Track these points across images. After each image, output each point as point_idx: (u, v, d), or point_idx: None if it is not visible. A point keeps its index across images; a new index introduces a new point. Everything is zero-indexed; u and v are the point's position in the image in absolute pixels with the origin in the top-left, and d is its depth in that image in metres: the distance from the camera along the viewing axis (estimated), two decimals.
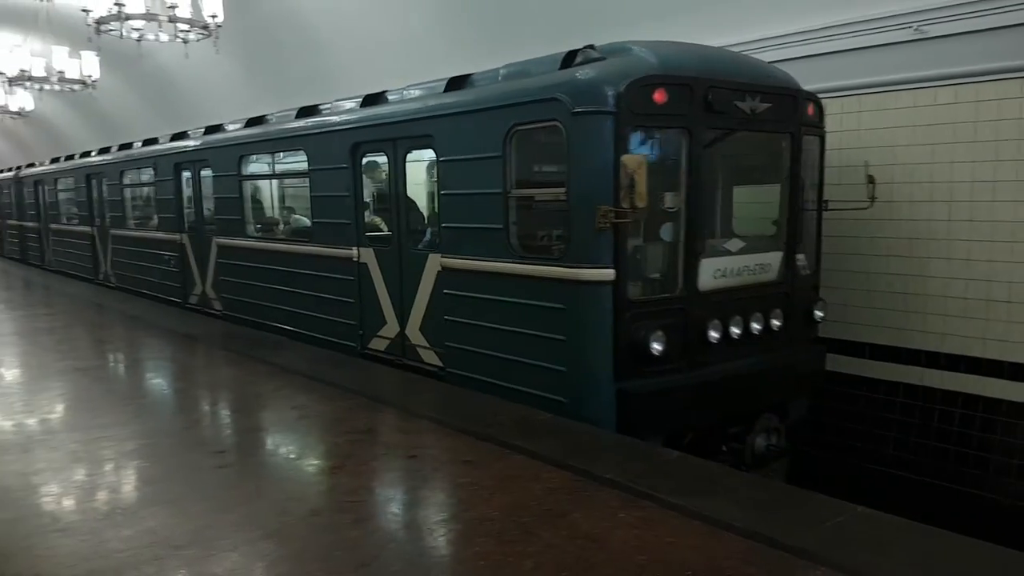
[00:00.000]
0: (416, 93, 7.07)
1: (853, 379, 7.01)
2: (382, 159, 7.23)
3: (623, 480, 4.01)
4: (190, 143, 10.67)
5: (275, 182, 9.76)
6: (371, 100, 7.55)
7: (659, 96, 5.17)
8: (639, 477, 4.05)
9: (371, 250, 7.35)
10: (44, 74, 13.08)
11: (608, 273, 5.12)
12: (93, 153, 14.89)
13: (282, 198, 9.79)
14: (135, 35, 8.99)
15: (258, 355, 7.52)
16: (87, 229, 14.77)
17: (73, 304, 12.07)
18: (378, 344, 7.32)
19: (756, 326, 5.83)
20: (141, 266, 12.48)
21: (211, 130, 10.42)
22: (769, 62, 6.32)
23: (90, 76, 12.71)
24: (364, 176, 7.46)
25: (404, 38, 10.54)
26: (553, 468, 4.30)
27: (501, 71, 6.24)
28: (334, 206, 7.70)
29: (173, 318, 9.96)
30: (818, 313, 6.31)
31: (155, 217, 11.96)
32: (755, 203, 6.71)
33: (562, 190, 5.37)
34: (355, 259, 7.46)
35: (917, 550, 3.34)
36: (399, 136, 6.90)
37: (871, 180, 6.27)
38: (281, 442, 4.91)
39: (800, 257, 6.17)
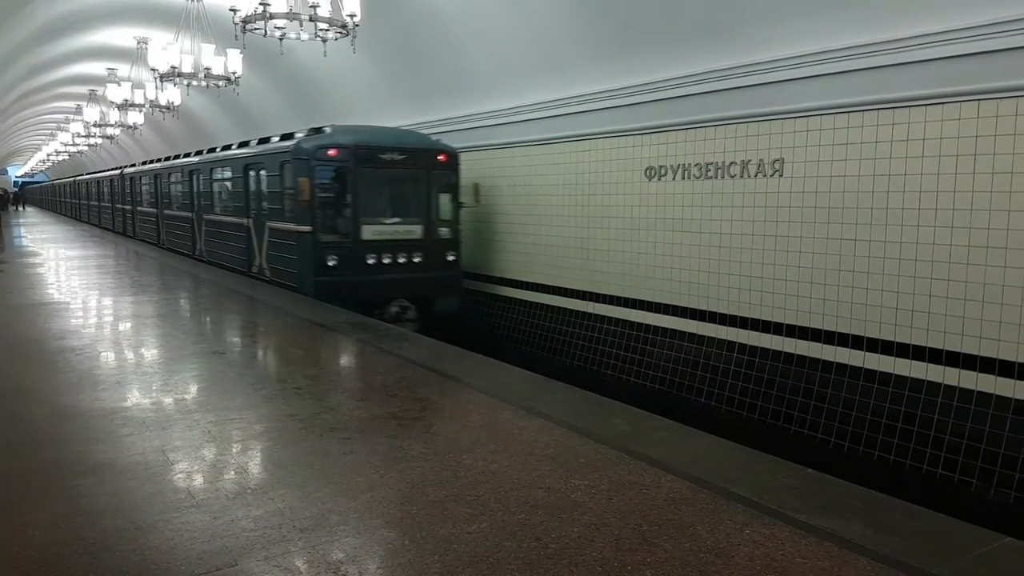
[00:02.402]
0: (273, 139, 13.21)
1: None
2: (264, 171, 13.11)
3: (749, 495, 3.87)
4: (192, 160, 18.28)
5: (234, 184, 15.25)
6: (261, 141, 13.95)
7: (332, 152, 11.17)
8: (765, 492, 3.90)
9: (250, 219, 13.90)
10: (192, 70, 13.77)
11: (308, 228, 11.30)
12: (160, 160, 23.21)
13: (228, 192, 15.72)
14: (278, 34, 9.30)
15: (384, 346, 7.74)
16: (154, 211, 22.81)
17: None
18: (253, 269, 13.83)
19: (402, 259, 11.60)
20: (177, 233, 20.11)
21: (210, 151, 17.29)
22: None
23: (234, 73, 13.28)
24: (259, 183, 13.47)
25: (537, 38, 10.55)
26: (673, 476, 4.20)
27: (298, 134, 12.25)
28: (238, 196, 14.55)
29: (306, 307, 10.33)
30: (450, 257, 12.13)
31: (183, 204, 19.29)
32: (417, 202, 12.02)
33: (292, 191, 11.65)
34: (245, 224, 14.12)
35: None
36: (256, 161, 13.48)
37: (477, 191, 12.95)
38: (404, 432, 4.98)
39: (444, 229, 12.08)
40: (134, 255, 19.48)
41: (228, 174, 15.38)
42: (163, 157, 22.66)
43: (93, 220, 36.51)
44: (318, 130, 11.93)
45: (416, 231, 11.82)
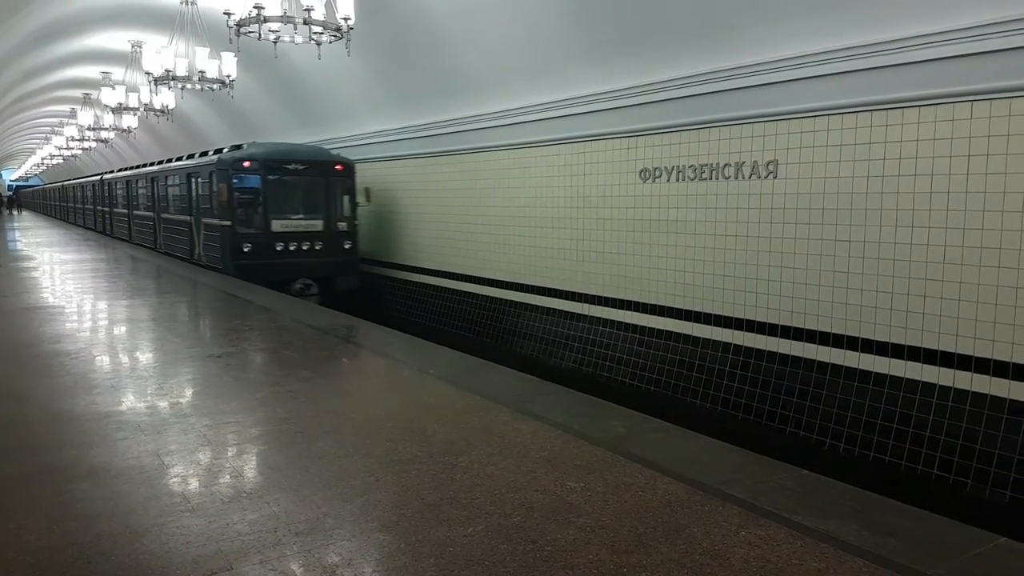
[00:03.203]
0: (209, 153, 16.47)
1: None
2: (199, 179, 16.53)
3: (744, 496, 3.88)
4: (152, 168, 22.17)
5: (180, 188, 18.66)
6: (202, 154, 17.07)
7: (246, 164, 14.47)
8: (761, 493, 3.91)
9: (192, 217, 17.26)
10: (186, 74, 13.75)
11: (229, 222, 14.54)
12: (131, 168, 27.60)
13: (182, 195, 18.51)
14: (272, 37, 9.28)
15: (379, 350, 7.75)
16: (125, 211, 26.74)
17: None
18: (195, 256, 17.19)
19: (305, 247, 14.64)
20: (142, 230, 23.83)
21: (168, 161, 21.13)
22: None
23: (228, 76, 13.25)
24: (196, 188, 16.77)
25: (532, 40, 10.55)
26: (669, 478, 4.21)
27: (226, 149, 15.68)
28: (184, 199, 18.08)
29: (304, 311, 10.32)
30: (347, 245, 15.22)
31: (147, 205, 22.82)
32: (317, 202, 15.25)
33: (218, 192, 14.81)
34: (189, 221, 17.58)
35: None
36: (195, 171, 16.91)
37: (367, 192, 16.12)
38: (401, 435, 4.98)
39: (342, 224, 15.23)
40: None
41: (177, 181, 18.89)
42: (134, 165, 27.51)
43: (78, 222, 39.97)
44: (239, 146, 15.49)
45: (317, 225, 14.96)
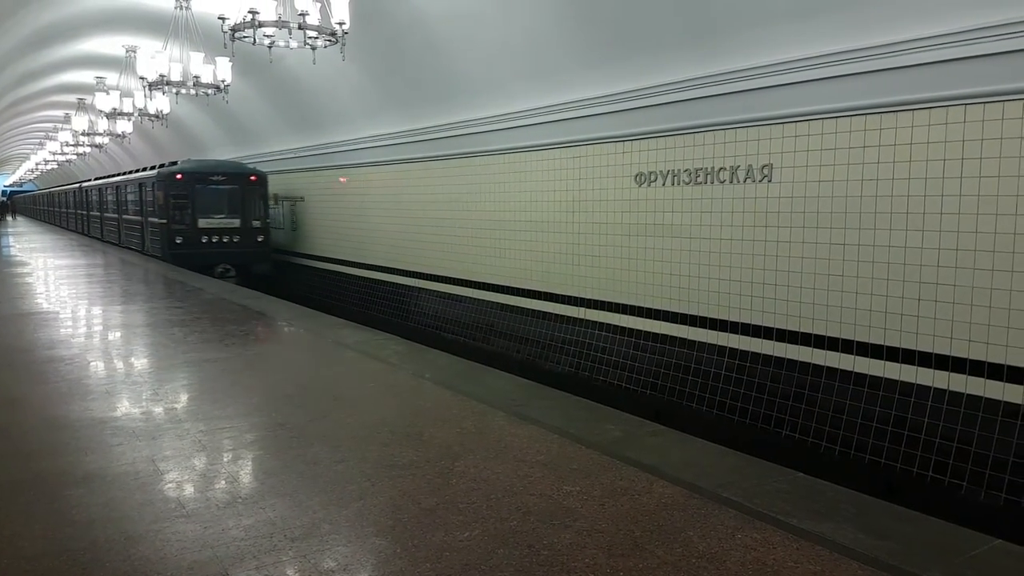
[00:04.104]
0: (154, 167, 20.98)
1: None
2: (146, 188, 21.10)
3: (740, 499, 3.88)
4: (117, 179, 27.30)
5: (134, 195, 23.12)
6: (152, 168, 21.46)
7: (179, 176, 19.05)
8: (757, 496, 3.91)
9: (143, 218, 21.97)
10: (180, 79, 13.71)
11: (165, 220, 19.17)
12: (103, 177, 33.15)
13: (136, 200, 22.95)
14: (267, 42, 9.25)
15: (375, 354, 7.74)
16: (99, 214, 31.73)
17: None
18: (144, 249, 22.01)
19: (225, 239, 19.06)
20: (109, 229, 28.80)
21: (126, 173, 26.11)
22: None
23: (223, 81, 13.23)
24: (145, 195, 21.36)
25: (528, 44, 10.54)
26: (665, 481, 4.21)
27: (180, 162, 20.78)
28: (137, 203, 22.91)
29: (301, 316, 10.31)
30: (260, 238, 19.44)
31: (113, 209, 27.61)
32: (235, 205, 19.36)
33: (157, 198, 19.84)
34: (141, 220, 22.33)
35: None
36: (143, 181, 21.72)
37: (276, 198, 20.55)
38: (396, 439, 4.98)
39: (256, 222, 19.46)
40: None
41: (133, 189, 23.56)
42: (105, 175, 33.32)
43: (63, 224, 45.09)
44: (174, 163, 20.20)
45: (235, 222, 19.24)
